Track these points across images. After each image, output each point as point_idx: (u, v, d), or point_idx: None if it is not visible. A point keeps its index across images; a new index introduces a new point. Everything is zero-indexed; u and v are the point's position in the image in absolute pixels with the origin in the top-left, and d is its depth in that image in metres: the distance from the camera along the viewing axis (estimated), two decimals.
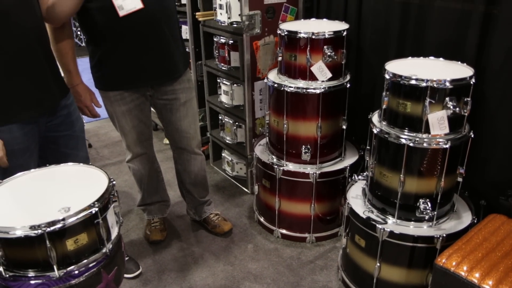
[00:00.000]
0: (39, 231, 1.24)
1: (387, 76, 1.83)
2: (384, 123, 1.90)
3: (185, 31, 3.22)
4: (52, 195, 1.42)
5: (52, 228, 1.25)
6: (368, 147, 2.04)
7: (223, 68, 2.88)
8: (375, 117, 2.00)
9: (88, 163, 1.75)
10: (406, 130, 1.81)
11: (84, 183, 1.47)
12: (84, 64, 2.08)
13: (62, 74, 1.99)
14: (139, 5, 1.93)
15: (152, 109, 2.31)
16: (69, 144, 1.95)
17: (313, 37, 2.15)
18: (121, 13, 1.92)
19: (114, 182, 1.46)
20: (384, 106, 1.88)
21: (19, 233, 1.25)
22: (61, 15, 1.87)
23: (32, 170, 1.54)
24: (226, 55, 2.80)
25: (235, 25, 2.64)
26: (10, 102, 1.67)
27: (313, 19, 2.59)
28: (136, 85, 2.13)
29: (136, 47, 2.02)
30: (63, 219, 1.27)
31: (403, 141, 1.80)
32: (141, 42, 2.01)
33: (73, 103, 1.97)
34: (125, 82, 2.10)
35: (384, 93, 1.86)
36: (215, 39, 2.88)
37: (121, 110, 2.16)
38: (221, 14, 2.71)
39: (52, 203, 1.36)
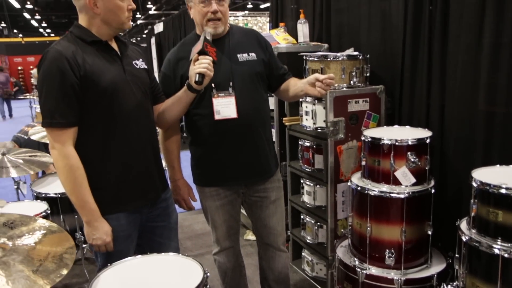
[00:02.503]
0: None
1: (474, 184, 1.83)
2: (473, 231, 1.85)
3: (272, 134, 3.46)
4: (153, 281, 1.55)
5: None
6: (457, 255, 1.98)
7: (306, 169, 3.02)
8: (463, 224, 1.96)
9: (179, 253, 1.89)
10: (499, 240, 1.75)
11: (181, 272, 1.60)
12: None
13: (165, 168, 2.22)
14: (233, 115, 2.14)
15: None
16: (164, 234, 2.11)
17: (397, 143, 2.23)
18: (217, 117, 2.14)
19: (208, 274, 1.56)
20: (472, 214, 1.86)
21: None
22: (170, 119, 2.16)
23: (138, 256, 1.71)
24: (310, 157, 2.95)
25: (319, 130, 2.82)
26: (121, 193, 1.90)
27: (396, 126, 2.68)
28: (231, 183, 2.29)
29: (233, 149, 2.20)
30: None
31: (497, 251, 1.73)
32: (238, 145, 2.19)
33: (170, 197, 2.18)
34: (221, 180, 2.28)
35: (472, 201, 1.85)
36: (300, 142, 3.06)
37: (215, 205, 2.32)
38: (306, 119, 2.92)
39: None
